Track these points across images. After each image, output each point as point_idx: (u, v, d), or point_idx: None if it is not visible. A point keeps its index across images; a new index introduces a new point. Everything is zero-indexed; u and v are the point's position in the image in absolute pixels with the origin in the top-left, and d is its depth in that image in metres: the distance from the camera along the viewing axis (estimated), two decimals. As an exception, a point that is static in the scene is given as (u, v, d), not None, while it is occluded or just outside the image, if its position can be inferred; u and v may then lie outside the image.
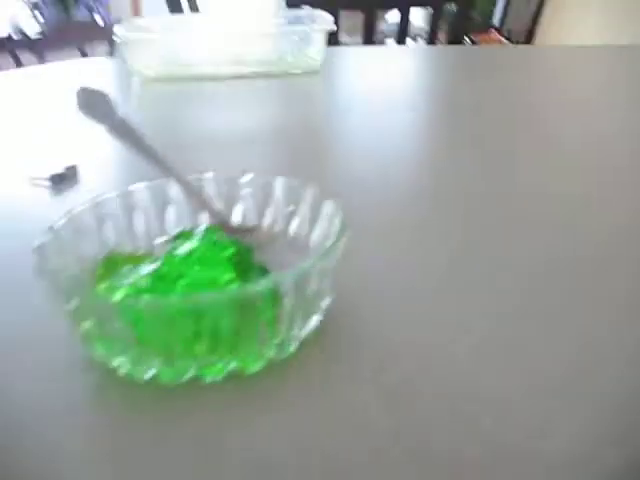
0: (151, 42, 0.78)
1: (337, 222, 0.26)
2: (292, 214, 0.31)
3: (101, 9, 2.86)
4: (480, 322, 0.27)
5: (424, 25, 2.68)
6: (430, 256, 0.34)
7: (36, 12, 2.63)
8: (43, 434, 0.21)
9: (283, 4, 1.18)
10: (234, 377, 0.23)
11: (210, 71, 0.80)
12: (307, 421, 0.21)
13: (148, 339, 0.22)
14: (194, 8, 1.44)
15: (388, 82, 0.78)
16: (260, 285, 0.22)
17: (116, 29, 0.77)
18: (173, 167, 0.32)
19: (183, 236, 0.29)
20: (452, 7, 1.50)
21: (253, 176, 0.32)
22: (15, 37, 2.51)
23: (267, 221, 0.32)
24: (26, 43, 2.50)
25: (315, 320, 0.26)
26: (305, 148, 0.53)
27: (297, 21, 0.84)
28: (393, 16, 2.57)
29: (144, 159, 0.32)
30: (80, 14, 2.88)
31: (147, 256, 0.29)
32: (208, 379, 0.23)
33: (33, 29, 2.63)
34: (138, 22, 0.84)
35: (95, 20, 2.84)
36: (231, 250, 0.27)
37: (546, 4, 2.06)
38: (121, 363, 0.23)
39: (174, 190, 0.32)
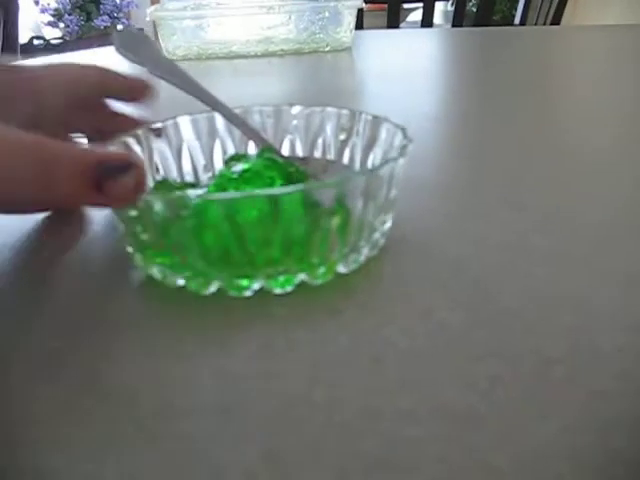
0: (181, 22, 0.78)
1: (398, 138, 0.26)
2: (344, 143, 0.30)
3: (122, 17, 2.90)
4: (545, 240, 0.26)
5: (445, 24, 2.68)
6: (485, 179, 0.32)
7: (57, 19, 2.68)
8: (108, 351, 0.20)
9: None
10: (302, 288, 0.22)
11: (240, 50, 0.80)
12: (375, 323, 0.20)
13: (214, 246, 0.21)
14: None
15: (418, 61, 0.77)
16: (332, 182, 0.21)
17: (148, 11, 0.78)
18: (219, 100, 0.31)
19: (235, 159, 0.28)
20: (473, 7, 1.50)
21: (301, 108, 0.32)
22: (36, 43, 2.56)
23: (318, 152, 0.31)
24: (47, 49, 2.54)
25: (378, 237, 0.25)
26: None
27: None
28: (415, 16, 2.57)
29: (190, 94, 0.31)
30: (102, 22, 2.92)
31: (198, 184, 0.29)
32: (277, 290, 0.22)
33: (54, 35, 2.68)
34: (167, 4, 0.85)
35: (116, 27, 2.89)
36: (289, 169, 0.26)
37: (567, 4, 2.04)
38: (185, 278, 0.22)
39: (220, 123, 0.31)
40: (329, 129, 0.31)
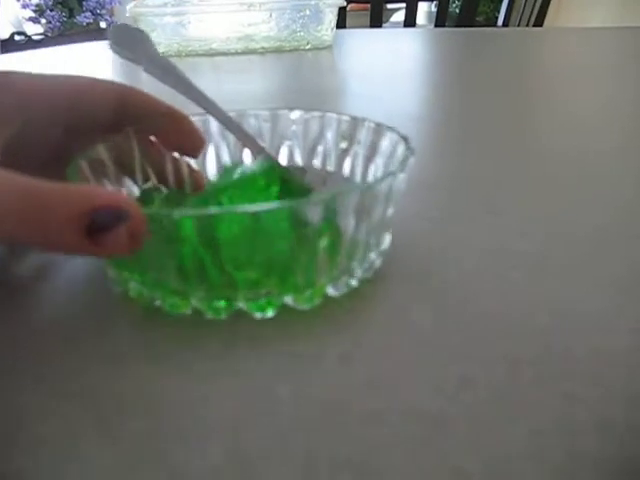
0: (161, 18, 0.78)
1: (400, 149, 0.24)
2: (345, 152, 0.29)
3: (106, 14, 2.87)
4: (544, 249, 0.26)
5: (428, 25, 2.69)
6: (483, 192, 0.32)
7: (39, 15, 2.65)
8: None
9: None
10: (285, 313, 0.21)
11: (220, 47, 0.79)
12: (367, 360, 0.20)
13: (191, 265, 0.20)
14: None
15: (401, 61, 0.78)
16: (321, 197, 0.19)
17: (127, 7, 0.77)
18: (215, 104, 0.30)
19: (232, 167, 0.27)
20: (456, 8, 1.50)
21: (301, 113, 0.30)
22: (17, 38, 2.53)
23: (318, 161, 0.30)
24: (28, 45, 2.51)
25: (374, 258, 0.23)
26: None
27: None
28: (399, 16, 2.58)
29: (184, 95, 0.30)
30: (84, 19, 2.89)
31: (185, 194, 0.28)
32: (258, 314, 0.21)
33: (36, 31, 2.65)
34: (148, 0, 0.84)
35: (99, 24, 2.86)
36: (288, 180, 0.25)
37: (550, 6, 2.06)
38: (160, 297, 0.21)
39: (214, 127, 0.30)
40: (329, 136, 0.29)
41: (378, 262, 0.24)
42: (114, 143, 0.25)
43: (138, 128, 0.27)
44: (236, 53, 0.79)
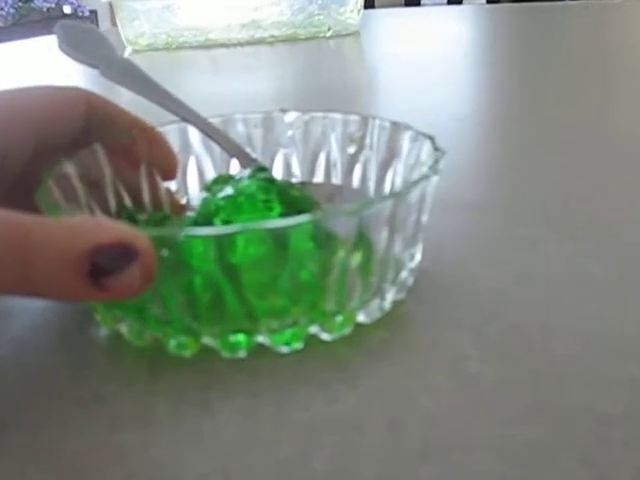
0: (145, 3, 0.80)
1: (426, 150, 0.26)
2: (354, 159, 0.30)
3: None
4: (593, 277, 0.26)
5: (478, 1, 2.71)
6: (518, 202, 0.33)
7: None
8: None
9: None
10: (313, 343, 0.22)
11: (219, 37, 0.81)
12: (394, 378, 0.20)
13: (202, 295, 0.21)
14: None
15: (445, 47, 0.79)
16: (352, 208, 0.20)
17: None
18: (192, 110, 0.31)
19: (220, 182, 0.28)
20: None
21: (298, 114, 0.32)
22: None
23: (320, 172, 0.32)
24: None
25: (406, 276, 0.25)
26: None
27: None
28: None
29: (154, 102, 0.31)
30: (44, 3, 2.98)
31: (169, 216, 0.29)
32: (283, 348, 0.22)
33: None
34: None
35: (62, 9, 2.94)
36: (290, 192, 0.26)
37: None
38: (163, 335, 0.22)
39: (195, 136, 0.31)
40: (334, 141, 0.31)
41: (410, 280, 0.25)
42: (81, 159, 0.27)
43: (105, 143, 0.28)
44: (239, 44, 0.81)
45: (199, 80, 0.68)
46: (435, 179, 0.23)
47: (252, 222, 0.23)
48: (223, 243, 0.20)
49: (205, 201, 0.26)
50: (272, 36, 0.82)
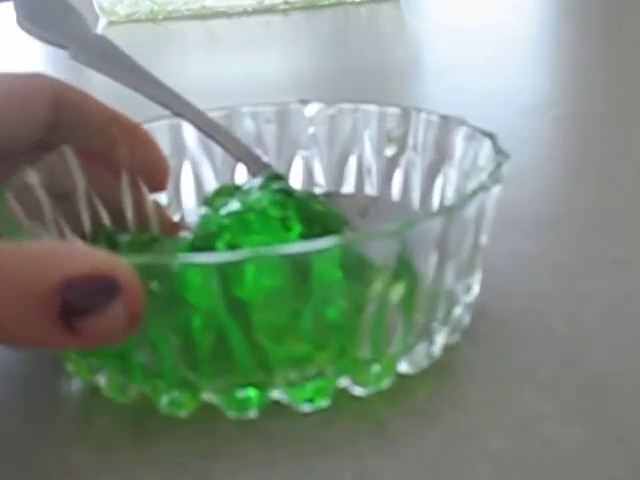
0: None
1: (485, 152, 0.26)
2: (393, 163, 0.31)
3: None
4: None
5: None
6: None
7: None
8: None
9: None
10: (342, 400, 0.22)
11: (218, 4, 0.81)
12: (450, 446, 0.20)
13: (204, 339, 0.21)
14: None
15: (513, 17, 0.78)
16: (389, 229, 0.20)
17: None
18: (186, 101, 0.31)
19: (222, 194, 0.28)
20: None
21: (321, 106, 0.32)
22: None
23: (350, 180, 0.32)
24: None
25: (460, 313, 0.25)
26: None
27: None
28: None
29: (137, 91, 0.31)
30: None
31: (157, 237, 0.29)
32: (304, 406, 0.22)
33: None
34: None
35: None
36: (312, 206, 0.26)
37: None
38: (151, 391, 0.22)
39: (190, 134, 0.32)
40: (368, 141, 0.31)
41: (466, 319, 0.25)
42: (46, 166, 0.27)
43: (77, 145, 0.28)
44: (244, 13, 0.81)
45: (194, 61, 0.68)
46: (497, 189, 0.23)
47: (265, 246, 0.23)
48: (228, 273, 0.20)
49: (205, 219, 0.26)
50: (286, 2, 0.82)
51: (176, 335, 0.21)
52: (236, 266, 0.20)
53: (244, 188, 0.27)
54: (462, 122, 0.28)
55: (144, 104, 0.31)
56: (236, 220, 0.25)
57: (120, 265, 0.19)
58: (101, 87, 0.30)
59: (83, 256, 0.19)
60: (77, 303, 0.18)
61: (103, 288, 0.18)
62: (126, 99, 0.30)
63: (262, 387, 0.22)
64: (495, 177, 0.23)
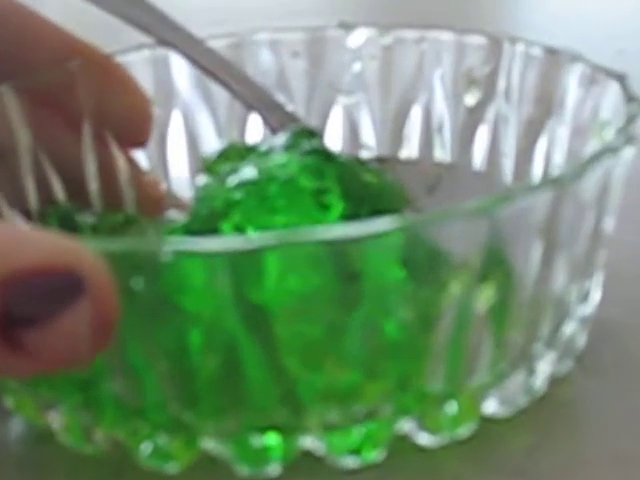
0: None
1: (611, 98, 0.26)
2: (477, 116, 0.31)
3: None
4: None
5: None
6: None
7: None
8: None
9: None
10: (401, 452, 0.22)
11: None
12: None
13: (206, 363, 0.21)
14: None
15: None
16: (472, 207, 0.20)
17: None
18: (177, 24, 0.32)
19: (231, 156, 0.29)
20: None
21: (372, 33, 0.32)
22: None
23: (414, 140, 0.32)
24: None
25: (575, 330, 0.25)
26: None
27: None
28: None
29: (108, 10, 0.32)
30: None
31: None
32: (348, 461, 0.22)
33: None
34: None
35: None
36: (361, 175, 0.27)
37: None
38: (126, 435, 0.23)
39: (181, 74, 0.32)
40: (439, 83, 0.31)
41: (582, 339, 0.25)
42: None
43: (21, 82, 0.29)
44: None
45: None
46: (629, 153, 0.23)
47: (294, 230, 0.23)
48: (241, 268, 0.20)
49: (204, 192, 0.27)
50: None
51: (166, 356, 0.21)
52: (252, 258, 0.19)
53: (261, 149, 0.27)
54: (577, 58, 0.28)
55: (117, 28, 0.31)
56: (251, 194, 0.25)
57: (84, 254, 0.18)
58: (58, 5, 0.30)
59: (29, 241, 0.18)
60: (22, 308, 0.18)
61: (59, 287, 0.18)
62: (92, 21, 0.31)
63: (288, 432, 0.22)
64: (626, 136, 0.22)
